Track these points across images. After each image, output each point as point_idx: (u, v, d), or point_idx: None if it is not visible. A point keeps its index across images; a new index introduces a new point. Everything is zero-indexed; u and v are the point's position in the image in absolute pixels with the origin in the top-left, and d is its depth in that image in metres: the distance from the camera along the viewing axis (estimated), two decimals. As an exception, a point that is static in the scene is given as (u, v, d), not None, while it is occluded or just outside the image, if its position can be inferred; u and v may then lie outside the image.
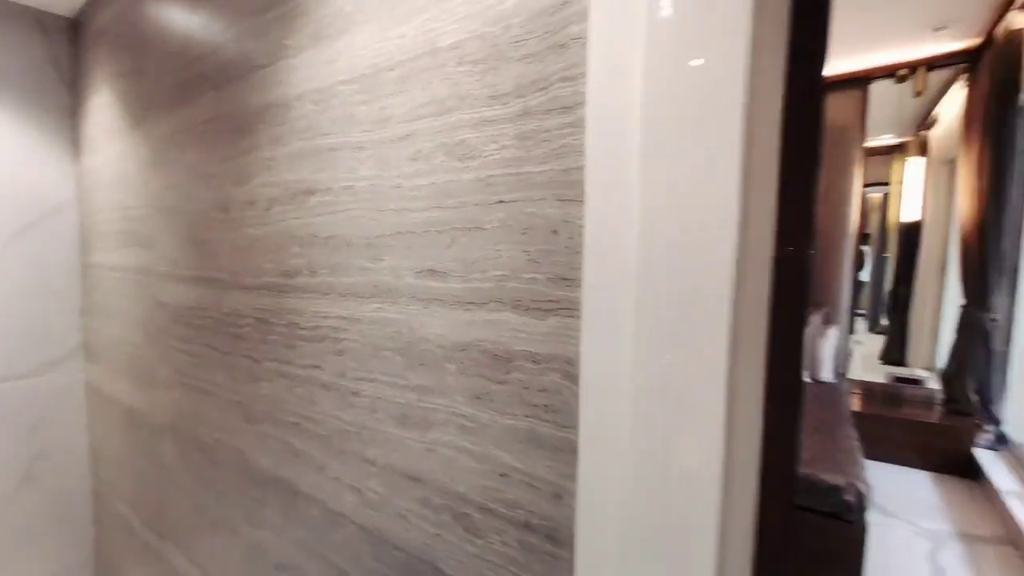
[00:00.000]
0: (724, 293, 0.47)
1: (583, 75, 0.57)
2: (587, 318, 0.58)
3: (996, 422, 2.82)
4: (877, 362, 4.79)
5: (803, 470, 2.03)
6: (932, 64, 2.83)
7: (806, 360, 3.24)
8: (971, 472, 2.82)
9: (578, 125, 0.58)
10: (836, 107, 3.21)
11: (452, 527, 0.79)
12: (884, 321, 5.13)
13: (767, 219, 0.48)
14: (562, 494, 0.65)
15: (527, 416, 0.67)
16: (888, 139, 4.41)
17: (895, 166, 4.05)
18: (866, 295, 6.61)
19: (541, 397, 0.66)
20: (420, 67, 0.75)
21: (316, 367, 0.98)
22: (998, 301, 2.73)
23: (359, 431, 0.92)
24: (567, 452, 0.63)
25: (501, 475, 0.71)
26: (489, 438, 0.72)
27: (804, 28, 0.46)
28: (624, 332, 0.54)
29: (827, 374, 3.28)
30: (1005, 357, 2.79)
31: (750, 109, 0.46)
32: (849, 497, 1.90)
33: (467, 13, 0.68)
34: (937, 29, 2.52)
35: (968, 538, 2.35)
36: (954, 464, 2.89)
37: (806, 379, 3.23)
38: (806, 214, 0.47)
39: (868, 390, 3.64)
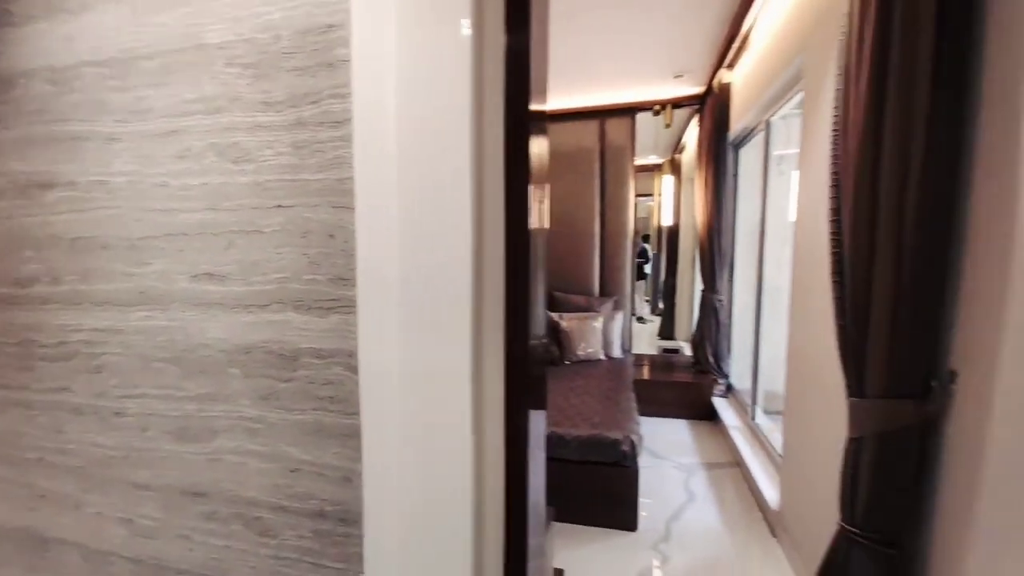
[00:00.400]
0: (466, 287, 0.59)
1: (350, 94, 0.63)
2: (362, 313, 0.65)
3: (725, 376, 3.75)
4: (656, 338, 5.91)
5: (593, 431, 2.43)
6: (676, 104, 3.63)
7: (601, 341, 3.83)
8: (712, 416, 3.71)
9: (348, 139, 0.64)
10: (613, 131, 3.88)
11: (243, 535, 0.78)
12: (661, 305, 6.35)
13: (498, 220, 0.61)
14: (351, 476, 0.70)
15: (315, 409, 0.71)
16: (655, 159, 5.47)
17: (656, 181, 5.06)
18: (650, 284, 8.04)
19: (327, 390, 0.70)
20: (185, 61, 0.72)
21: (64, 389, 0.85)
22: (723, 286, 3.64)
23: (127, 455, 0.83)
24: (353, 437, 0.69)
25: (292, 471, 0.74)
26: (278, 436, 0.74)
27: (515, 76, 0.60)
28: (392, 323, 0.62)
29: (617, 351, 3.94)
30: (729, 328, 3.73)
31: (478, 131, 0.58)
32: (625, 448, 2.35)
33: (234, 15, 0.68)
34: (676, 76, 3.24)
35: (710, 466, 3.10)
36: (701, 412, 3.75)
37: (600, 356, 3.83)
38: (525, 216, 0.62)
39: (648, 361, 4.47)
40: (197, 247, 0.74)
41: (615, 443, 2.37)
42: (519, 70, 0.62)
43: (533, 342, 0.70)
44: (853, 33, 1.23)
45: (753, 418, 3.11)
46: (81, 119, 0.77)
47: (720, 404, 3.64)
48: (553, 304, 4.11)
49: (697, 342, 3.93)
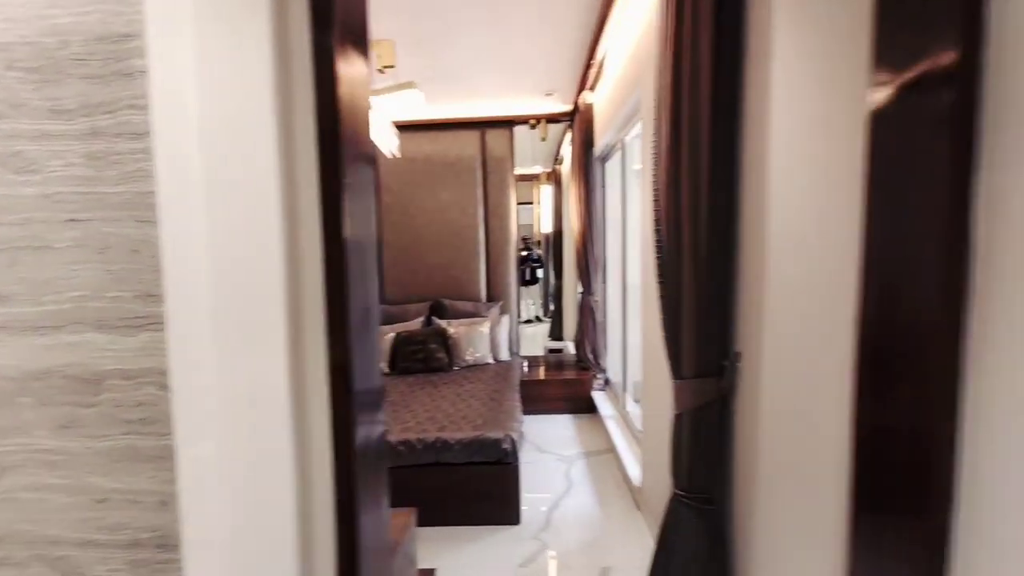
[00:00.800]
0: (279, 300, 0.61)
1: (149, 106, 0.62)
2: (173, 330, 0.64)
3: (603, 371, 4.08)
4: (548, 339, 6.21)
5: (475, 433, 2.51)
6: (550, 119, 3.90)
7: (488, 345, 3.94)
8: (592, 409, 4.01)
9: (149, 152, 0.63)
10: (493, 141, 4.05)
11: (44, 578, 0.71)
12: (552, 307, 6.68)
13: (314, 230, 0.64)
14: (167, 500, 0.68)
15: (124, 434, 0.68)
16: (539, 169, 5.79)
17: (536, 190, 5.36)
18: (543, 288, 8.40)
19: (137, 412, 0.67)
20: (-51, 60, 0.65)
21: None
22: (598, 287, 3.97)
23: None
24: (168, 459, 0.67)
25: (100, 501, 0.69)
26: (82, 467, 0.69)
27: (325, 79, 0.64)
28: (206, 340, 0.62)
29: (504, 354, 4.09)
30: (604, 326, 4.07)
31: (286, 141, 0.61)
32: (506, 446, 2.46)
33: (12, 16, 0.64)
34: (548, 94, 3.49)
35: (588, 454, 3.35)
36: (583, 406, 4.04)
37: (489, 360, 3.94)
38: (340, 225, 0.66)
39: (536, 362, 4.69)
40: (-30, 265, 0.66)
41: (496, 442, 2.47)
42: (328, 73, 0.66)
43: (362, 354, 0.74)
44: (659, 77, 1.46)
45: (624, 407, 3.43)
46: None
47: (599, 397, 3.95)
48: (441, 311, 4.14)
49: (578, 341, 4.23)
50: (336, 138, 0.67)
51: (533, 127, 3.92)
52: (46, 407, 0.68)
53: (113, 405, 0.67)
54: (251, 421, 0.64)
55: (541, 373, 4.31)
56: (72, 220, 0.65)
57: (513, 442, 2.49)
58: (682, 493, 1.50)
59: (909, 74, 0.68)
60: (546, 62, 2.99)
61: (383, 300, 4.21)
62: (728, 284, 1.33)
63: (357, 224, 0.72)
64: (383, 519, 0.86)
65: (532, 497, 2.77)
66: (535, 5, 2.35)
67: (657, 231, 1.54)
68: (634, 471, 2.69)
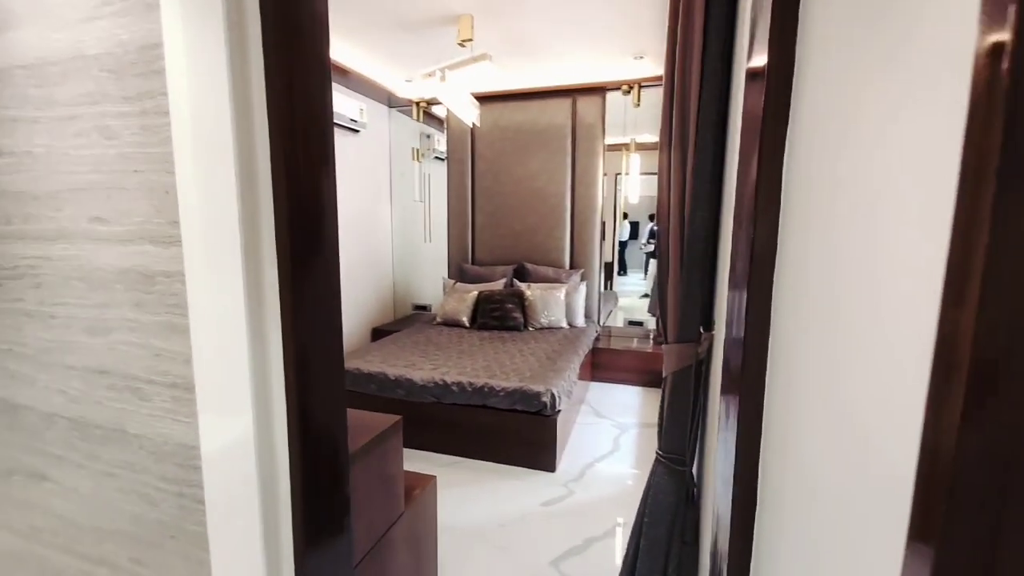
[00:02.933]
0: (236, 230, 0.88)
1: (167, 93, 0.92)
2: (185, 247, 0.95)
3: (683, 348, 3.94)
4: (648, 313, 6.06)
5: (519, 385, 2.73)
6: (642, 84, 3.74)
7: (563, 310, 4.07)
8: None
9: (169, 125, 0.94)
10: (584, 108, 4.02)
11: (131, 400, 1.12)
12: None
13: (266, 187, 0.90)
14: (188, 359, 1.02)
15: (167, 312, 1.03)
16: (648, 137, 5.54)
17: (625, 159, 5.15)
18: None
19: (173, 299, 1.02)
20: (75, 67, 1.02)
21: (19, 300, 1.20)
22: (682, 261, 3.80)
23: (60, 345, 1.18)
24: (187, 332, 1.01)
25: (156, 355, 1.06)
26: (147, 332, 1.06)
27: (280, 71, 0.87)
28: (199, 253, 0.92)
29: (580, 320, 4.18)
30: (687, 301, 3.90)
31: (243, 120, 0.87)
32: (545, 399, 2.64)
33: (99, 36, 0.98)
34: (637, 57, 3.36)
35: (644, 425, 3.36)
36: (656, 379, 3.98)
37: (563, 325, 4.08)
38: (294, 207, 0.90)
39: (616, 332, 4.69)
40: (89, 199, 1.05)
41: (537, 395, 2.66)
42: (284, 67, 0.89)
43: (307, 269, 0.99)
44: (666, 56, 1.42)
45: (690, 384, 3.32)
46: (15, 107, 1.09)
47: (673, 372, 3.85)
48: (523, 275, 4.37)
49: (658, 316, 4.13)
50: (288, 109, 0.90)
51: (627, 93, 3.81)
52: (128, 292, 1.07)
53: (160, 294, 1.03)
54: (226, 307, 0.93)
55: (617, 343, 4.32)
56: (135, 171, 1.00)
57: (553, 397, 2.66)
58: (662, 453, 1.54)
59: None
60: (628, 21, 2.89)
61: (472, 261, 4.57)
62: (713, 266, 1.31)
63: (302, 183, 0.96)
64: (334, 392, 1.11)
65: (576, 452, 2.92)
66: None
67: (658, 213, 1.54)
68: (677, 444, 2.66)
